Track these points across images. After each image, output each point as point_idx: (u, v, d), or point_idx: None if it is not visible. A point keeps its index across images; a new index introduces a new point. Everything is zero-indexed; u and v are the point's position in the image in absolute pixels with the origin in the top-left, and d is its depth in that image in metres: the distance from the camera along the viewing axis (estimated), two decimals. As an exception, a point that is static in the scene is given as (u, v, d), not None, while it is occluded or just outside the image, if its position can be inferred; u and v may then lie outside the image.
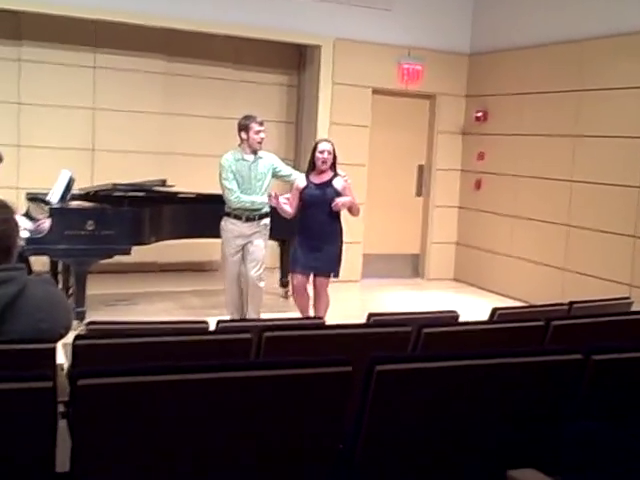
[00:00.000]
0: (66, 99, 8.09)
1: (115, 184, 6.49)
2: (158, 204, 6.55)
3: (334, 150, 5.76)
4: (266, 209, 5.93)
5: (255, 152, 5.83)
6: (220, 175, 5.81)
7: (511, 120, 8.48)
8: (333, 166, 5.77)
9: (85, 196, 6.65)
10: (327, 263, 5.84)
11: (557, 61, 7.86)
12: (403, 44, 8.86)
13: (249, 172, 5.81)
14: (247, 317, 5.66)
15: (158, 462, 1.86)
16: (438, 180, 9.26)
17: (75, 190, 6.47)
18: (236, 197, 5.75)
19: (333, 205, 5.61)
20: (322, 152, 5.69)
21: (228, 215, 5.85)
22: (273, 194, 5.77)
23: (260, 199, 5.84)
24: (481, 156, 8.94)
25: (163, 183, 6.78)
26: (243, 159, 5.79)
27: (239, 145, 5.87)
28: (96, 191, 6.74)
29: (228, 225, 5.86)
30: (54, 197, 6.18)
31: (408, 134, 9.20)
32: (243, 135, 5.77)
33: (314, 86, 8.81)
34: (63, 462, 1.82)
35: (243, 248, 5.88)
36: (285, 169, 6.17)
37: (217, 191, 6.10)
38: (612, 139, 7.20)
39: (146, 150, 8.36)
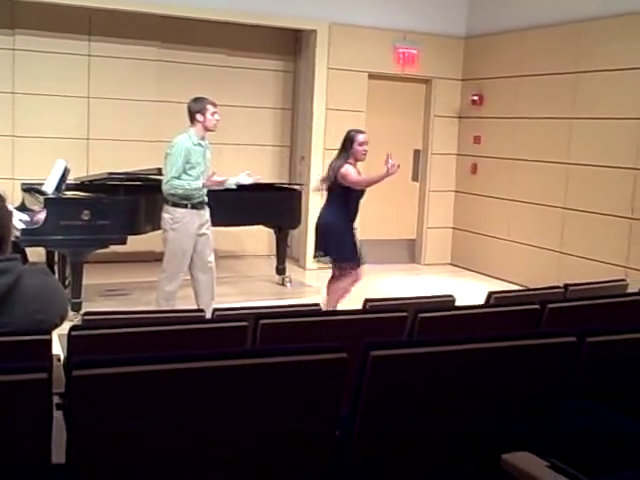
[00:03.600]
0: (60, 88, 8.06)
1: (110, 173, 6.48)
2: (154, 193, 6.52)
3: None
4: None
5: (204, 137, 5.64)
6: (171, 158, 5.49)
7: (507, 103, 8.45)
8: None
9: (80, 186, 6.63)
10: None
11: (553, 43, 7.83)
12: (399, 28, 8.82)
13: (203, 159, 5.65)
14: (204, 306, 5.17)
15: (155, 452, 1.86)
16: (434, 164, 9.25)
17: (70, 180, 6.45)
18: (197, 185, 5.51)
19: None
20: (363, 144, 5.67)
21: (183, 206, 5.53)
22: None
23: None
24: (477, 140, 8.93)
25: (159, 172, 6.74)
26: (200, 144, 5.60)
27: (191, 128, 5.58)
28: (91, 181, 6.73)
29: (187, 217, 5.55)
30: (49, 187, 6.16)
31: (404, 119, 9.18)
32: (199, 117, 5.54)
33: (310, 71, 8.78)
34: (59, 453, 1.83)
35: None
36: None
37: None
38: (608, 121, 7.18)
39: (141, 138, 8.34)
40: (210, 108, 5.57)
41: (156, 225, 6.00)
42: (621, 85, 7.07)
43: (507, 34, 8.44)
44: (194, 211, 5.57)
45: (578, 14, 7.51)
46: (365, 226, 8.94)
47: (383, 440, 2.08)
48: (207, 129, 5.60)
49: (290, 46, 9.30)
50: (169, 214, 5.55)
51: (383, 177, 5.56)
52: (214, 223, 5.84)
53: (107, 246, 6.16)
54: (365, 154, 5.74)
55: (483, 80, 8.85)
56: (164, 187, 5.53)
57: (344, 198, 5.66)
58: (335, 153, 5.83)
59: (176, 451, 1.89)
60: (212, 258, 5.74)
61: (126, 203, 6.20)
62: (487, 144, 8.78)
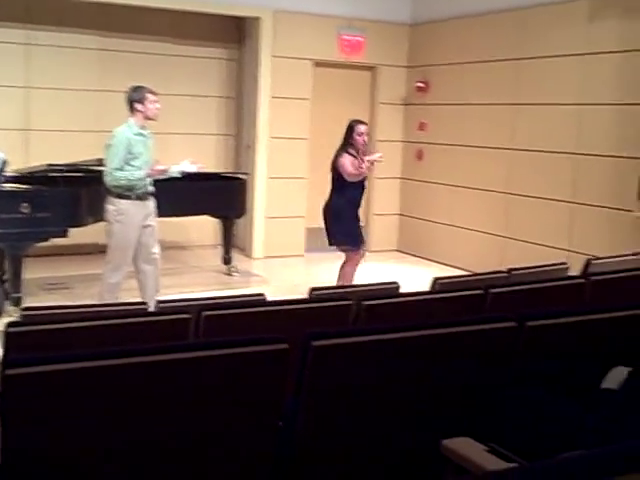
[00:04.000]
0: (-3, 78, 7.84)
1: (50, 165, 6.33)
2: (95, 184, 6.39)
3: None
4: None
5: (144, 126, 5.50)
6: (112, 149, 5.35)
7: (452, 90, 8.52)
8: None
9: (19, 178, 6.45)
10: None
11: (496, 30, 7.91)
12: (343, 15, 8.81)
13: (145, 148, 5.49)
14: (148, 298, 5.09)
15: (93, 451, 1.83)
16: (380, 151, 9.24)
17: (9, 172, 6.28)
18: (139, 175, 5.36)
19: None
20: (362, 134, 5.94)
21: (127, 197, 5.37)
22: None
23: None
24: (423, 126, 8.98)
25: (100, 162, 6.62)
26: (140, 134, 5.44)
27: (130, 118, 5.44)
28: (31, 172, 6.56)
29: (132, 209, 5.39)
30: (-13, 180, 5.99)
31: (350, 106, 9.15)
32: (139, 107, 5.39)
33: (254, 60, 8.71)
34: (-6, 454, 1.78)
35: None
36: None
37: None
38: (550, 107, 7.30)
39: (83, 129, 8.17)
40: (150, 97, 5.43)
41: (98, 216, 5.88)
42: (562, 71, 7.18)
43: (452, 21, 8.49)
44: (139, 202, 5.42)
45: (521, 1, 7.60)
46: (312, 214, 8.94)
47: (327, 429, 2.08)
48: (148, 118, 5.46)
49: (234, 34, 9.21)
50: (113, 206, 5.40)
51: (360, 174, 5.90)
52: (159, 214, 5.75)
53: (47, 239, 6.02)
54: (364, 144, 6.00)
55: (428, 67, 8.90)
56: (106, 179, 5.36)
57: (347, 185, 5.94)
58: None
59: (116, 448, 1.86)
60: (157, 249, 5.63)
61: (67, 195, 6.07)
62: (433, 131, 8.84)
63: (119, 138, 5.36)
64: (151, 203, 5.58)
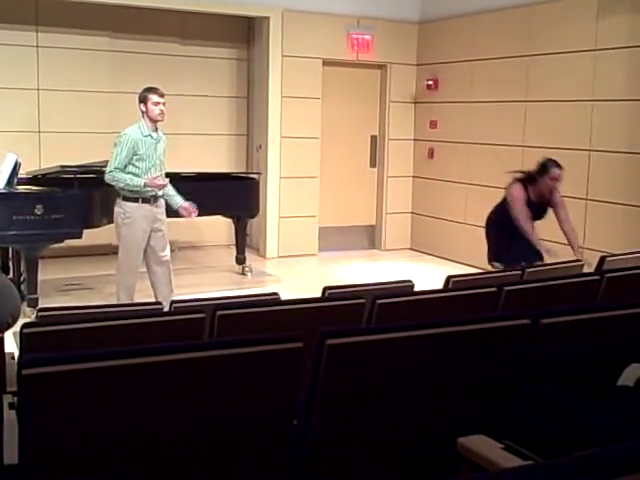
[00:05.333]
0: (8, 80, 7.88)
1: (63, 166, 6.36)
2: (108, 185, 6.43)
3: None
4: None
5: (156, 128, 5.44)
6: (116, 149, 5.32)
7: (462, 87, 8.50)
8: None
9: (33, 180, 6.50)
10: None
11: (505, 26, 7.88)
12: (352, 14, 8.81)
13: (154, 151, 5.41)
14: (162, 298, 5.06)
15: (110, 451, 1.84)
16: (391, 150, 9.27)
17: (22, 174, 6.32)
18: (136, 183, 5.27)
19: None
20: (554, 179, 5.36)
21: (134, 200, 5.35)
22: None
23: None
24: (433, 124, 8.97)
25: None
26: (150, 136, 5.38)
27: (142, 119, 5.41)
28: (44, 174, 6.60)
29: (139, 212, 5.36)
30: (0, 182, 6.03)
31: (360, 105, 9.18)
32: (142, 107, 5.37)
33: (264, 59, 8.72)
34: (11, 454, 1.79)
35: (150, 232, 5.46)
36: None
37: (168, 169, 5.99)
38: (562, 103, 7.27)
39: (95, 130, 8.20)
40: (153, 97, 5.35)
41: (111, 218, 5.91)
42: (572, 68, 7.15)
43: (460, 18, 8.47)
44: (146, 206, 5.39)
45: (529, -3, 7.58)
46: (324, 214, 8.97)
47: (342, 427, 2.08)
48: (151, 119, 5.39)
49: (243, 34, 9.23)
50: (120, 208, 5.39)
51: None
52: (172, 214, 5.77)
53: (62, 240, 6.06)
54: (550, 190, 5.41)
55: (438, 65, 8.88)
56: (105, 177, 5.35)
57: None
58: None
59: (132, 447, 1.86)
60: (167, 252, 5.58)
61: (80, 196, 6.10)
62: (443, 128, 8.83)
63: (125, 138, 5.33)
64: (160, 207, 5.52)
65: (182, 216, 5.68)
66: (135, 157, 5.32)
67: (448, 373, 2.14)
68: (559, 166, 5.40)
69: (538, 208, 5.50)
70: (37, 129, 8.12)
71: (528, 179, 5.43)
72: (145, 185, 5.31)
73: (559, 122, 7.29)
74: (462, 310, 3.01)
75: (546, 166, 5.37)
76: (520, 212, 5.36)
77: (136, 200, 5.36)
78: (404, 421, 2.13)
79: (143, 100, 5.37)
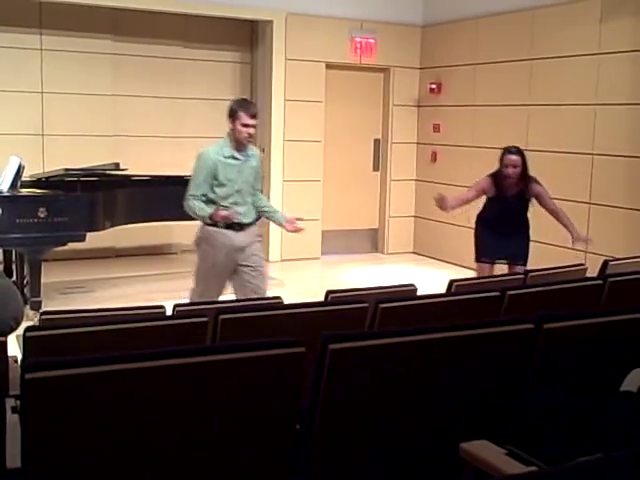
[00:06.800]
0: (12, 83, 7.90)
1: (67, 169, 6.37)
2: (112, 188, 6.44)
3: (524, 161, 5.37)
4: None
5: (245, 146, 4.69)
6: (192, 173, 4.71)
7: (465, 91, 8.50)
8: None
9: (36, 183, 6.51)
10: None
11: (508, 30, 7.88)
12: (355, 17, 8.82)
13: (238, 175, 4.66)
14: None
15: (112, 454, 1.84)
16: (394, 154, 9.27)
17: (26, 177, 6.33)
18: (204, 213, 4.61)
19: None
20: (507, 166, 5.34)
21: (212, 224, 4.65)
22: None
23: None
24: (436, 128, 8.97)
25: (116, 167, 6.67)
26: (233, 157, 4.63)
27: (224, 137, 4.72)
28: (47, 177, 6.61)
29: (218, 239, 4.65)
30: (4, 185, 6.04)
31: (363, 108, 9.18)
32: (229, 123, 4.63)
33: (267, 63, 8.73)
34: (14, 458, 1.79)
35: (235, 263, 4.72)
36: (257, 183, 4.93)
37: (172, 173, 6.01)
38: (565, 107, 7.26)
39: (98, 133, 8.22)
40: (243, 117, 4.56)
41: (115, 221, 5.93)
42: (576, 71, 7.15)
43: (463, 22, 8.48)
44: (228, 232, 4.64)
45: (533, 1, 7.57)
46: (327, 217, 8.97)
47: (344, 432, 2.08)
48: (236, 140, 4.63)
49: (246, 37, 9.23)
50: (199, 232, 4.77)
51: None
52: (173, 218, 5.74)
53: (65, 243, 6.06)
54: (509, 176, 5.38)
55: (441, 68, 8.88)
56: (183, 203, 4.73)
57: None
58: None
59: (134, 451, 1.86)
60: (264, 284, 4.83)
61: (84, 199, 6.10)
62: (446, 132, 8.83)
63: (202, 160, 4.62)
64: (249, 236, 4.75)
65: (288, 231, 5.01)
66: (215, 182, 4.61)
67: (451, 378, 2.14)
68: (515, 152, 5.37)
69: (517, 200, 5.50)
70: (41, 132, 8.13)
71: (497, 173, 5.48)
72: (211, 217, 4.60)
73: (562, 126, 7.29)
74: (465, 314, 3.00)
75: (502, 154, 5.42)
76: (468, 191, 5.63)
77: (215, 224, 4.64)
78: (407, 426, 2.13)
79: (232, 116, 4.62)
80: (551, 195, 5.65)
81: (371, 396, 2.07)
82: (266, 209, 4.95)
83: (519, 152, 5.42)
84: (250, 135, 4.63)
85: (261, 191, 5.06)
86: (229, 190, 4.63)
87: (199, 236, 4.79)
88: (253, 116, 4.60)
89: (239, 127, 4.58)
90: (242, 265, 4.71)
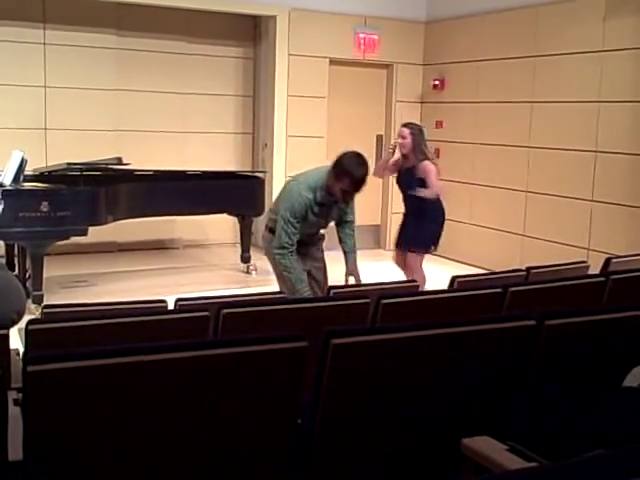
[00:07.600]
0: (15, 77, 7.88)
1: (69, 164, 6.38)
2: (114, 183, 6.45)
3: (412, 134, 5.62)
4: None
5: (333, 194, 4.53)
6: (280, 222, 4.49)
7: (468, 88, 8.49)
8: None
9: (39, 177, 6.52)
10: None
11: (512, 27, 7.87)
12: (359, 13, 8.80)
13: (325, 215, 4.63)
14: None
15: (114, 448, 1.84)
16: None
17: (28, 171, 6.34)
18: (287, 258, 4.53)
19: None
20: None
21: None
22: None
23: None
24: (439, 124, 8.95)
25: (119, 161, 6.68)
26: (323, 204, 4.52)
27: (322, 178, 4.50)
28: (50, 171, 6.61)
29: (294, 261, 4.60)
30: (6, 179, 6.05)
31: (366, 104, 9.17)
32: (333, 174, 4.43)
33: (270, 58, 8.71)
34: (16, 450, 1.79)
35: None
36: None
37: (174, 167, 6.00)
38: (568, 104, 7.25)
39: (101, 128, 8.22)
40: (345, 183, 4.39)
41: (117, 215, 5.93)
42: (579, 69, 7.13)
43: (467, 18, 8.46)
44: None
45: (536, -2, 7.56)
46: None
47: (346, 427, 2.08)
48: (327, 191, 4.48)
49: (250, 32, 9.22)
50: (264, 241, 4.85)
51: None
52: (176, 212, 5.75)
53: (68, 237, 6.07)
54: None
55: (444, 65, 8.87)
56: (274, 252, 4.64)
57: None
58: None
59: (135, 444, 1.87)
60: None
61: (86, 194, 6.11)
62: (449, 129, 8.81)
63: (298, 202, 4.41)
64: (313, 251, 4.87)
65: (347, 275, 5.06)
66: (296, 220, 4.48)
67: (453, 373, 2.14)
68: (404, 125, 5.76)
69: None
70: (43, 126, 8.13)
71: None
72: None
73: (565, 123, 7.28)
74: (467, 311, 3.00)
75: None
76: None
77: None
78: (408, 421, 2.13)
79: (337, 175, 4.41)
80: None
81: (373, 391, 2.07)
82: (344, 245, 4.94)
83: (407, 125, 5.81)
84: (343, 199, 4.52)
85: (352, 222, 4.98)
86: (307, 227, 4.58)
87: (265, 246, 4.80)
88: (357, 188, 4.42)
89: (338, 188, 4.43)
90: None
